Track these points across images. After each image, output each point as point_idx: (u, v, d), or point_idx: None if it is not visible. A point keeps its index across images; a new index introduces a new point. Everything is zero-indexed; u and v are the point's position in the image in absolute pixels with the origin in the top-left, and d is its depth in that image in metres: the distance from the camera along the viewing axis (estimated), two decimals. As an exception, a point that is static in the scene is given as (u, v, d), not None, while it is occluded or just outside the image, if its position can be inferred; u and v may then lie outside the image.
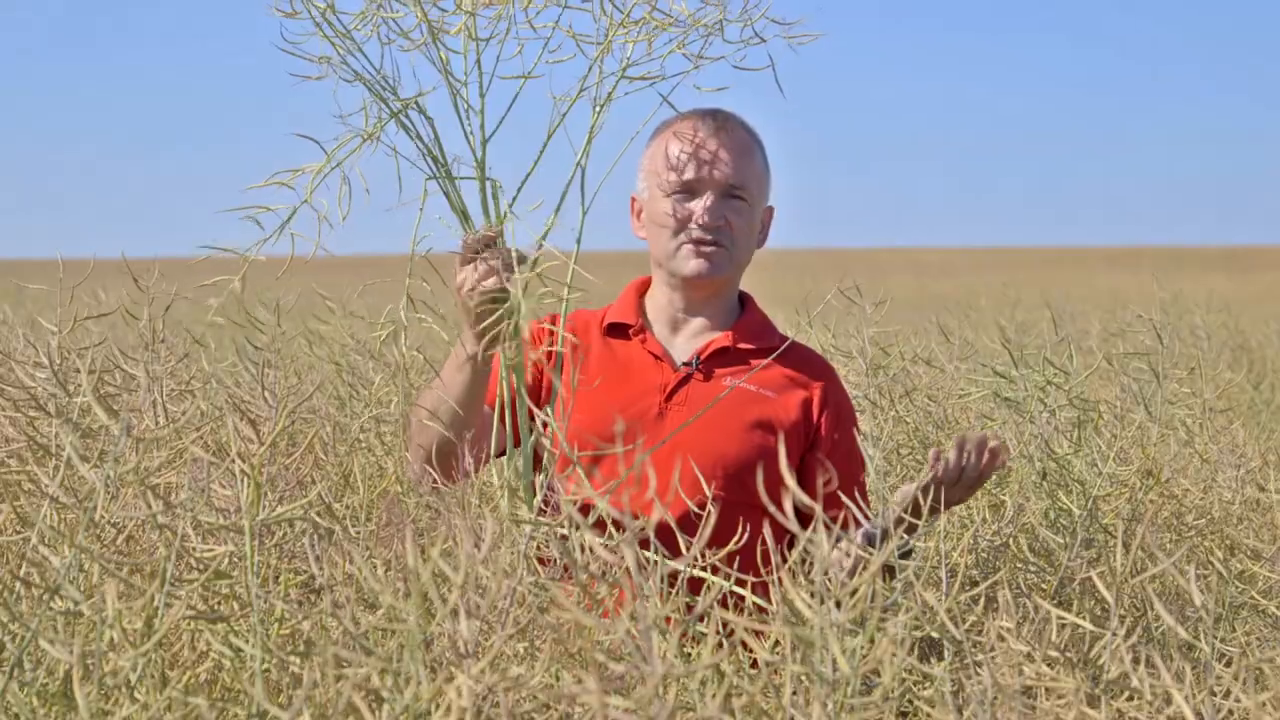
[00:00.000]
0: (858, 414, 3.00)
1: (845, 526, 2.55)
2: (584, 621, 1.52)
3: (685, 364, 2.76)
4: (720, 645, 1.84)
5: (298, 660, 1.87)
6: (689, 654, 2.14)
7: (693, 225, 2.73)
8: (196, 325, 2.78)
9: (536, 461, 2.54)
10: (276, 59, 2.42)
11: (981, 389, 3.38)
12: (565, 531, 2.12)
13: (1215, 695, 1.89)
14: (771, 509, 1.81)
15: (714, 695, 1.80)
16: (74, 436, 2.00)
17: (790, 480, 1.66)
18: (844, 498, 2.56)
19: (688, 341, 2.79)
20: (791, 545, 2.65)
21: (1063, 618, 1.94)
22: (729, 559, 2.18)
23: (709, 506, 2.10)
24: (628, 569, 1.56)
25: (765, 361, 2.75)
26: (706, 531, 1.80)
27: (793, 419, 2.72)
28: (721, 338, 2.77)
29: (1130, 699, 1.89)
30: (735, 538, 2.24)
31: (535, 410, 2.53)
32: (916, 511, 2.47)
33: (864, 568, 1.71)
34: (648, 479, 2.51)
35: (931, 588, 2.26)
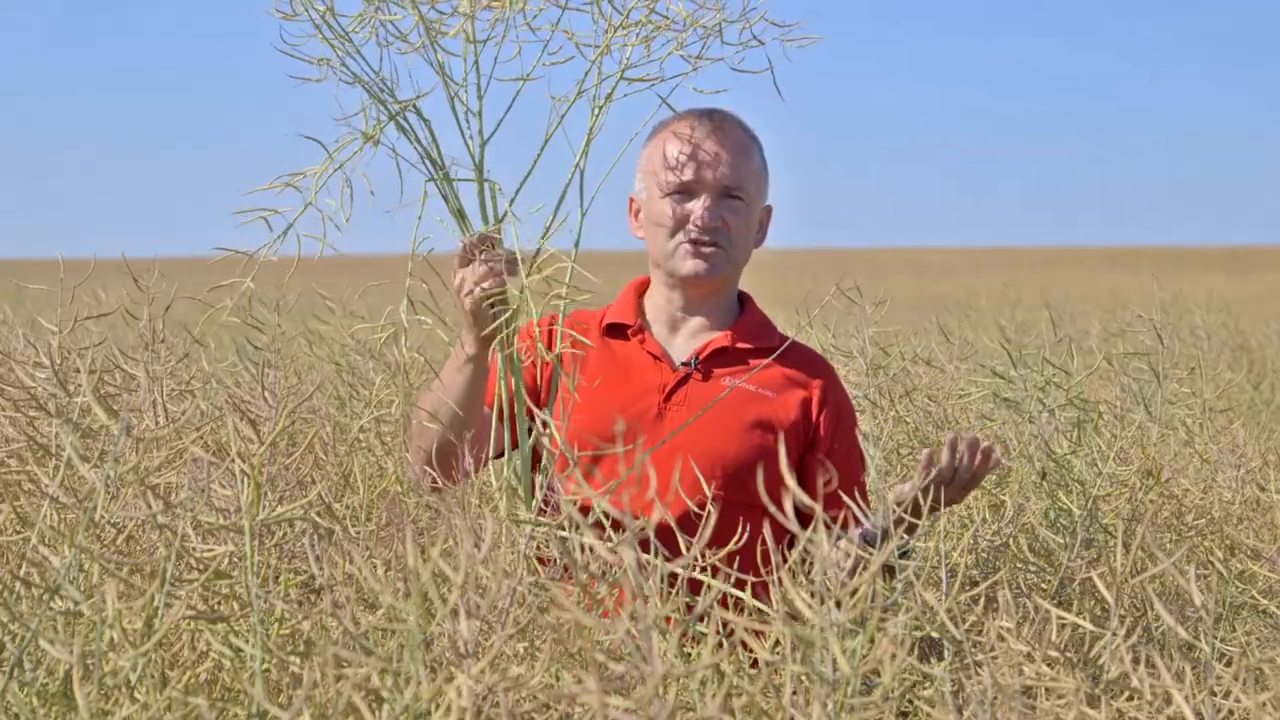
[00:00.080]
0: (858, 414, 3.00)
1: (845, 526, 2.55)
2: (584, 621, 1.52)
3: (684, 364, 2.76)
4: (720, 645, 1.84)
5: (298, 660, 1.87)
6: (689, 654, 2.14)
7: (690, 226, 2.73)
8: (197, 325, 2.78)
9: (536, 461, 2.54)
10: (277, 59, 2.42)
11: (981, 389, 3.38)
12: (565, 532, 2.12)
13: (1215, 695, 1.89)
14: (771, 509, 1.81)
15: (714, 695, 1.80)
16: (74, 436, 2.00)
17: (790, 480, 1.66)
18: (844, 497, 2.56)
19: (686, 341, 2.79)
20: (791, 545, 2.65)
21: (1063, 618, 1.94)
22: (729, 559, 2.18)
23: (709, 507, 2.10)
24: (628, 569, 1.56)
25: (765, 361, 2.75)
26: (706, 532, 1.80)
27: (792, 418, 2.72)
28: (720, 337, 2.78)
29: (1130, 699, 1.89)
30: (735, 538, 2.24)
31: (535, 410, 2.54)
32: (911, 512, 2.47)
33: (863, 567, 1.71)
34: (647, 479, 2.51)
35: (931, 588, 2.26)
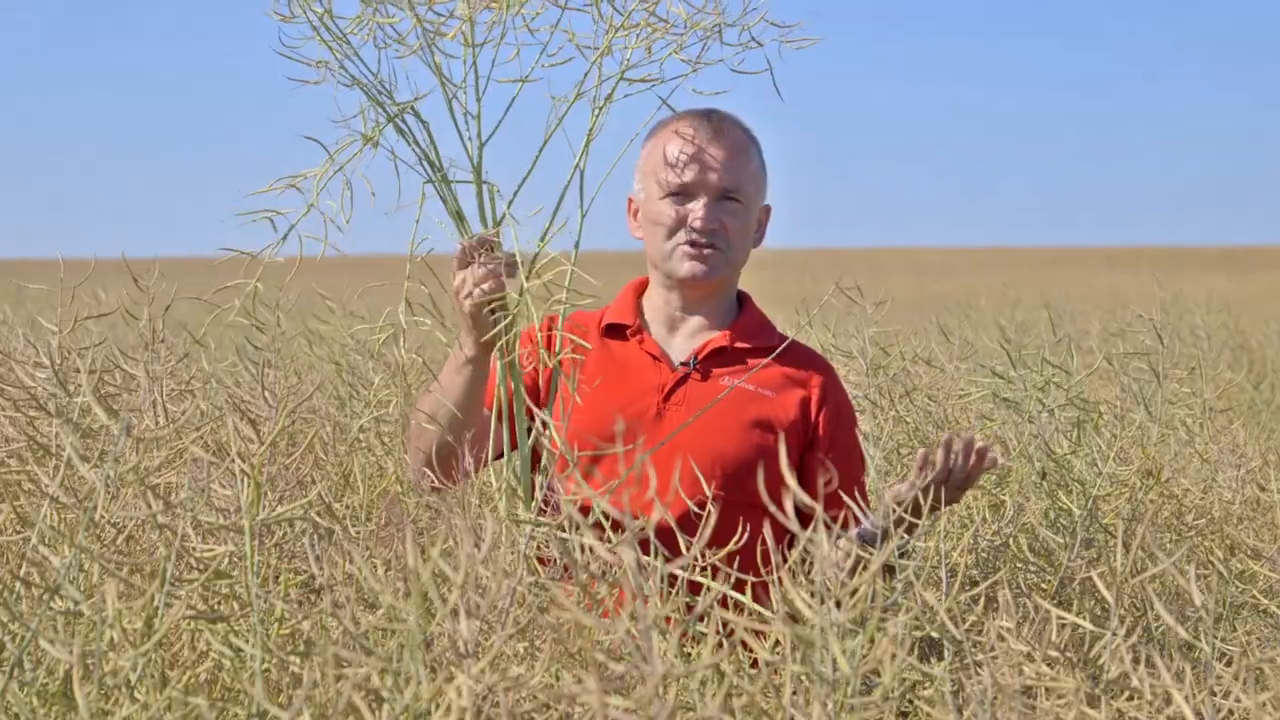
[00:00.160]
0: (858, 414, 3.00)
1: (845, 526, 2.55)
2: (584, 621, 1.52)
3: (683, 364, 2.76)
4: (720, 645, 1.84)
5: (298, 660, 1.87)
6: (689, 654, 2.14)
7: (688, 228, 2.73)
8: (201, 326, 2.78)
9: (535, 462, 2.54)
10: (277, 60, 2.42)
11: (981, 389, 3.38)
12: (565, 532, 2.12)
13: (1215, 695, 1.89)
14: (771, 509, 1.81)
15: (714, 695, 1.80)
16: (74, 436, 2.00)
17: (791, 480, 1.66)
18: (844, 497, 2.56)
19: (685, 341, 2.79)
20: (791, 545, 2.65)
21: (1063, 618, 1.94)
22: (729, 559, 2.18)
23: (708, 506, 2.10)
24: (627, 569, 1.56)
25: (765, 361, 2.75)
26: (706, 532, 1.80)
27: (791, 418, 2.73)
28: (719, 337, 2.78)
29: (1130, 699, 1.89)
30: (735, 538, 2.24)
31: (535, 410, 2.54)
32: (908, 512, 2.47)
33: (862, 567, 1.71)
34: (647, 479, 2.51)
35: (931, 588, 2.26)
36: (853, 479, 2.73)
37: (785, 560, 2.47)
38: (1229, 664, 2.18)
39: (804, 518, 2.67)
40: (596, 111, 2.56)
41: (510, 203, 2.49)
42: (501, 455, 2.60)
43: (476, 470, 2.65)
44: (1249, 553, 2.93)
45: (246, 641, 1.90)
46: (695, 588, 2.33)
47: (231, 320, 2.46)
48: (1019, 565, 2.86)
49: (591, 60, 2.54)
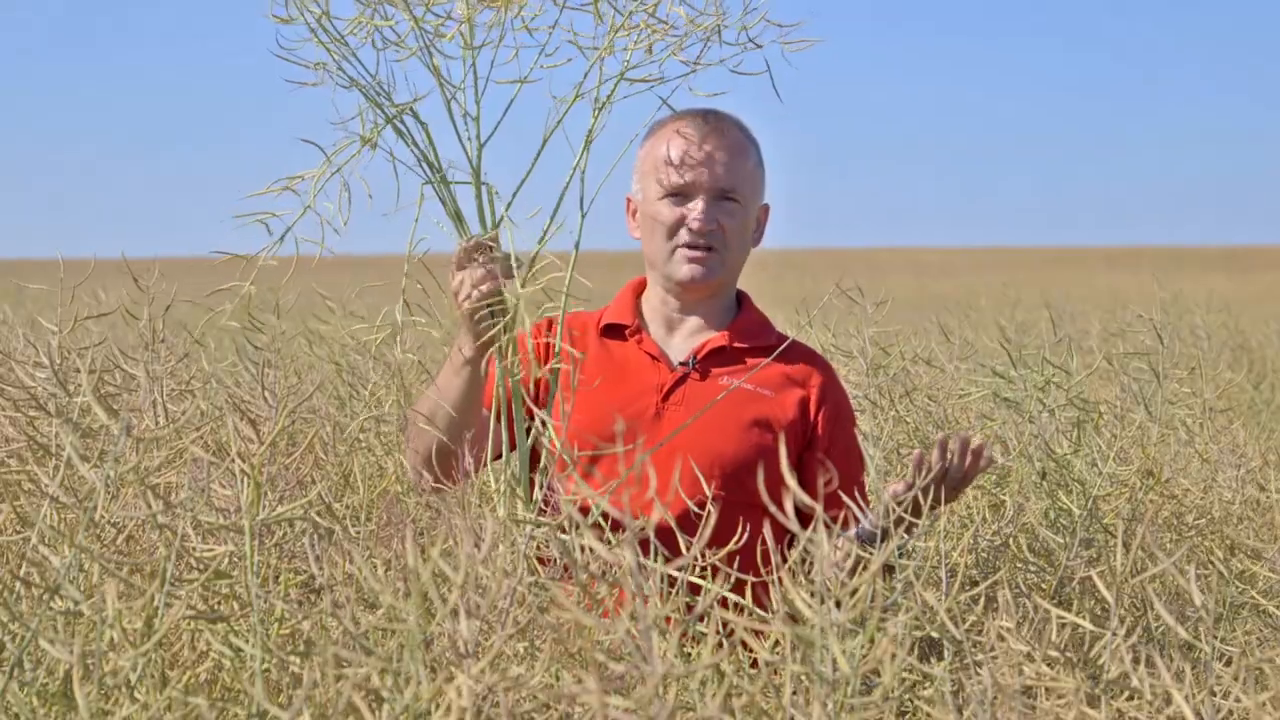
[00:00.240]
0: (858, 414, 3.00)
1: (845, 526, 2.55)
2: (584, 621, 1.52)
3: (682, 364, 2.76)
4: (720, 645, 1.84)
5: (298, 660, 1.87)
6: (689, 654, 2.14)
7: (685, 229, 2.73)
8: (197, 326, 2.78)
9: (534, 461, 2.54)
10: (276, 60, 2.42)
11: (981, 389, 3.38)
12: (565, 532, 2.12)
13: (1215, 695, 1.89)
14: (771, 508, 1.81)
15: (714, 695, 1.80)
16: (74, 436, 2.00)
17: (790, 479, 1.66)
18: (843, 496, 2.56)
19: (684, 341, 2.79)
20: (791, 545, 2.65)
21: (1063, 618, 1.94)
22: (728, 559, 2.18)
23: (708, 506, 2.10)
24: (627, 569, 1.56)
25: (765, 361, 2.75)
26: (706, 532, 1.80)
27: (790, 417, 2.72)
28: (718, 337, 2.78)
29: (1130, 699, 1.89)
30: (734, 537, 2.24)
31: (535, 410, 2.53)
32: (907, 512, 2.47)
33: (862, 567, 1.71)
34: (647, 479, 2.51)
35: (931, 588, 2.26)
36: (852, 479, 2.73)
37: (785, 560, 2.47)
38: (1229, 664, 2.18)
39: (803, 518, 2.67)
40: (597, 112, 2.56)
41: (509, 204, 2.49)
42: (501, 456, 2.60)
43: (476, 470, 2.65)
44: (1249, 553, 2.93)
45: (246, 641, 1.90)
46: (695, 588, 2.33)
47: (223, 324, 2.46)
48: (1019, 565, 2.86)
49: (592, 60, 2.54)
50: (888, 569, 2.41)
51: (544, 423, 2.49)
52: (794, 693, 1.72)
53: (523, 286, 2.45)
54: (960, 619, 2.04)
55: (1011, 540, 2.88)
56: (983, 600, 2.22)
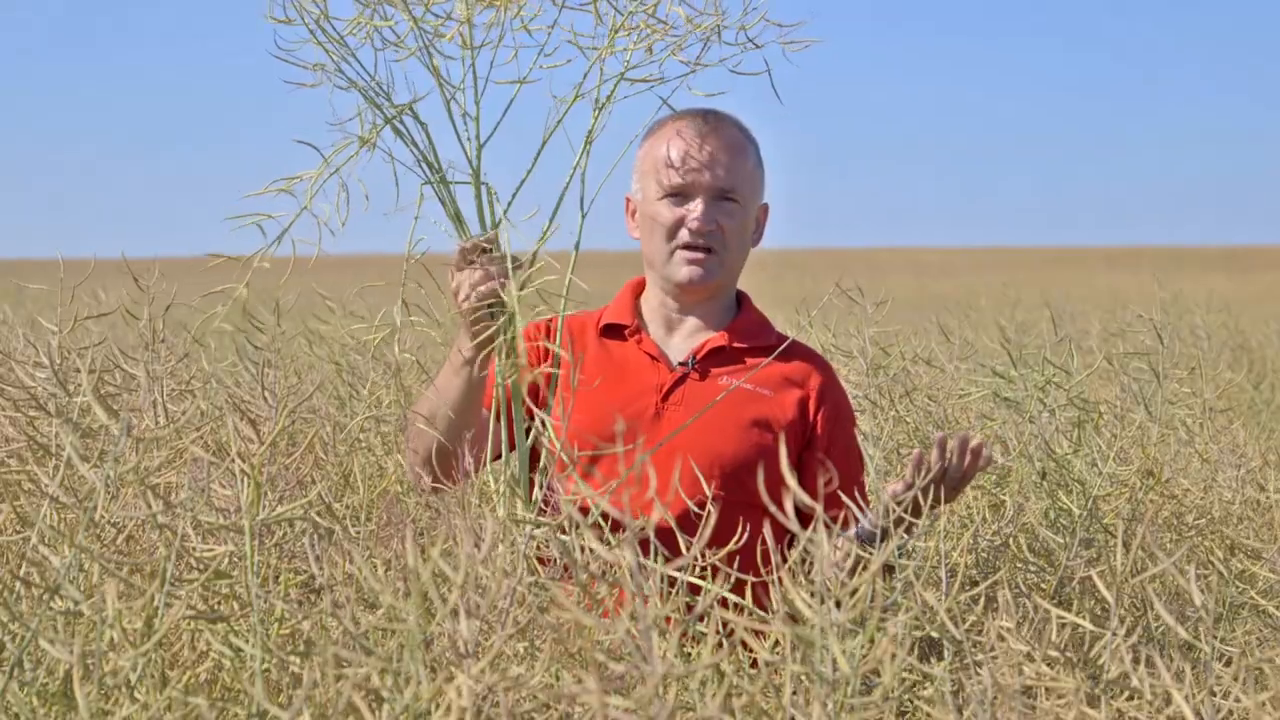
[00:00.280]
0: (858, 414, 3.00)
1: (845, 526, 2.56)
2: (584, 621, 1.52)
3: (681, 364, 2.76)
4: (720, 645, 1.84)
5: (298, 660, 1.87)
6: (689, 654, 2.14)
7: (684, 230, 2.73)
8: (196, 327, 2.78)
9: (534, 462, 2.54)
10: (275, 61, 2.42)
11: (981, 389, 3.38)
12: (565, 532, 2.12)
13: (1215, 695, 1.89)
14: (771, 508, 1.81)
15: (714, 695, 1.80)
16: (74, 436, 2.00)
17: (790, 479, 1.66)
18: (843, 496, 2.56)
19: (683, 341, 2.79)
20: (791, 545, 2.65)
21: (1063, 618, 1.94)
22: (728, 559, 2.18)
23: (708, 506, 2.10)
24: (627, 569, 1.56)
25: (765, 361, 2.75)
26: (706, 532, 1.80)
27: (789, 417, 2.72)
28: (717, 337, 2.78)
29: (1130, 699, 1.90)
30: (734, 538, 2.24)
31: (535, 410, 2.54)
32: (907, 512, 2.47)
33: (861, 567, 1.71)
34: (646, 479, 2.51)
35: (931, 588, 2.26)
36: (851, 478, 2.73)
37: (785, 560, 2.47)
38: (1229, 664, 2.18)
39: (803, 518, 2.67)
40: (597, 112, 2.56)
41: (509, 204, 2.49)
42: (500, 456, 2.60)
43: (475, 471, 2.66)
44: (1249, 553, 2.93)
45: (246, 641, 1.90)
46: (695, 588, 2.33)
47: (216, 326, 2.46)
48: (1019, 565, 2.86)
49: (592, 61, 2.53)
50: (888, 569, 2.41)
51: (544, 423, 2.49)
52: (794, 693, 1.72)
53: (521, 288, 2.45)
54: (960, 619, 2.04)
55: (1011, 540, 2.88)
56: (983, 600, 2.22)
